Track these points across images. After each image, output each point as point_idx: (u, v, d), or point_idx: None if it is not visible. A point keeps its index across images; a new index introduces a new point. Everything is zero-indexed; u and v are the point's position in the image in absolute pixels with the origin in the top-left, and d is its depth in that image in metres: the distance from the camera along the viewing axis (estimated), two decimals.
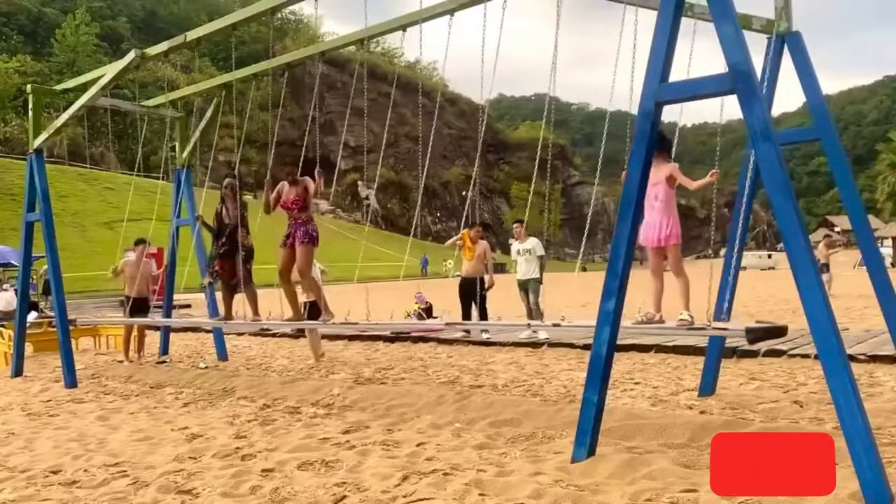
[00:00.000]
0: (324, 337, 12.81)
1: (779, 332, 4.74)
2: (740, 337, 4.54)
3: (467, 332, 11.37)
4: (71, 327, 9.59)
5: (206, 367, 9.83)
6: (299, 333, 13.34)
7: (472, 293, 10.80)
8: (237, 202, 8.19)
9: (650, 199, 5.03)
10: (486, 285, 11.01)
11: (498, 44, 5.73)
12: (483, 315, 10.80)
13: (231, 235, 7.97)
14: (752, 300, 18.34)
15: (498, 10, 5.80)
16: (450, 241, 11.44)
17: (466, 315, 11.09)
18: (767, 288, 24.03)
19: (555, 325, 5.63)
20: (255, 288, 8.15)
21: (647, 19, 4.55)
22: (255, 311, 8.04)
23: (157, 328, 11.87)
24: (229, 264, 8.00)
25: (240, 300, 8.24)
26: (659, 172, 5.02)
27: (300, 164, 7.31)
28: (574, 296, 15.85)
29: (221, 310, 10.24)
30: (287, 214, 7.35)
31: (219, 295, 9.84)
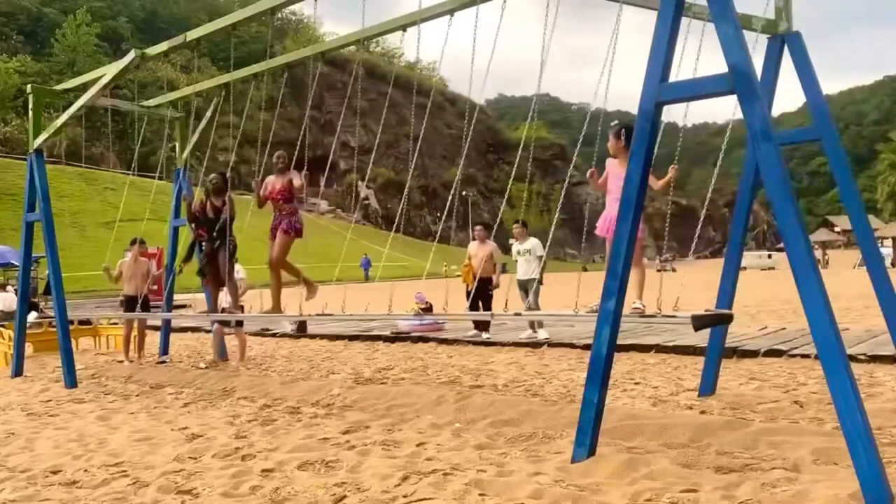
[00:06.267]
0: (323, 337, 12.84)
1: (724, 318, 4.94)
2: (686, 324, 4.42)
3: (478, 327, 11.34)
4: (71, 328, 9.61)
5: (206, 367, 9.83)
6: (300, 333, 13.37)
7: (481, 292, 10.78)
8: (223, 198, 8.45)
9: (615, 194, 5.10)
10: (493, 284, 10.99)
11: (495, 43, 5.72)
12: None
13: (220, 231, 8.24)
14: (752, 300, 18.34)
15: (496, 11, 5.80)
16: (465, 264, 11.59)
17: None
18: (767, 288, 24.04)
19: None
20: (236, 282, 8.60)
21: (648, 19, 4.54)
22: (236, 304, 8.44)
23: (157, 328, 11.88)
24: (217, 259, 8.35)
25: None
26: (625, 167, 4.94)
27: (293, 157, 7.49)
28: (573, 295, 15.84)
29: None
30: (273, 206, 7.51)
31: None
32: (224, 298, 10.17)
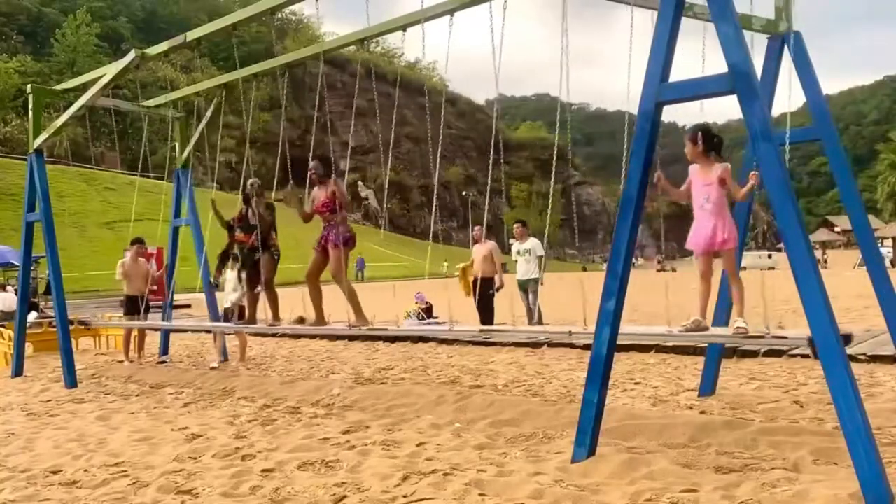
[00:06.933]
0: (323, 337, 12.83)
1: (845, 339, 4.20)
2: (802, 345, 4.27)
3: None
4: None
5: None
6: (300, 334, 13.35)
7: (482, 293, 10.77)
8: (264, 202, 8.00)
9: (699, 202, 4.73)
10: (496, 286, 10.97)
11: (501, 43, 5.72)
12: (489, 314, 10.75)
13: (261, 238, 7.78)
14: (752, 300, 18.30)
15: (496, 11, 5.80)
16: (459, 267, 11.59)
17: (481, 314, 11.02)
18: (768, 288, 24.03)
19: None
20: (276, 291, 8.02)
21: (647, 19, 4.54)
22: (276, 315, 7.87)
23: (157, 328, 11.87)
24: (257, 267, 7.85)
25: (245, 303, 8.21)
26: (711, 173, 4.71)
27: (323, 164, 7.05)
28: (574, 295, 15.83)
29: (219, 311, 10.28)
30: (321, 218, 7.09)
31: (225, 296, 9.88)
32: (227, 298, 10.17)
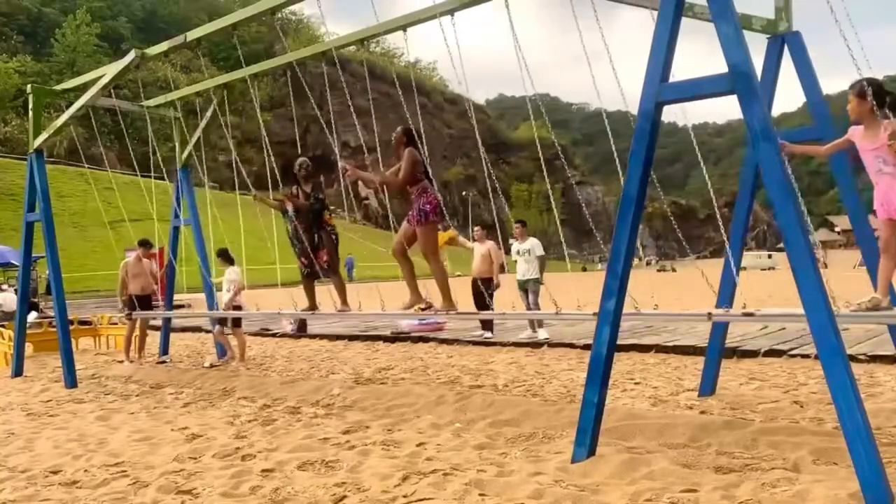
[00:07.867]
0: (323, 337, 12.84)
1: None
2: None
3: (484, 327, 11.35)
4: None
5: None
6: (300, 333, 13.34)
7: (481, 293, 10.77)
8: (312, 183, 7.52)
9: (874, 167, 4.23)
10: (494, 285, 10.96)
11: (517, 42, 5.71)
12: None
13: (315, 220, 7.38)
14: (752, 300, 18.32)
15: (494, 11, 5.79)
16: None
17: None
18: (767, 288, 24.04)
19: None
20: (340, 274, 7.48)
21: (647, 19, 4.54)
22: (344, 300, 7.31)
23: (157, 328, 11.88)
24: (317, 251, 7.32)
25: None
26: (880, 133, 4.12)
27: (403, 133, 6.46)
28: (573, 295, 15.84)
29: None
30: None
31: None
32: (222, 299, 10.16)
